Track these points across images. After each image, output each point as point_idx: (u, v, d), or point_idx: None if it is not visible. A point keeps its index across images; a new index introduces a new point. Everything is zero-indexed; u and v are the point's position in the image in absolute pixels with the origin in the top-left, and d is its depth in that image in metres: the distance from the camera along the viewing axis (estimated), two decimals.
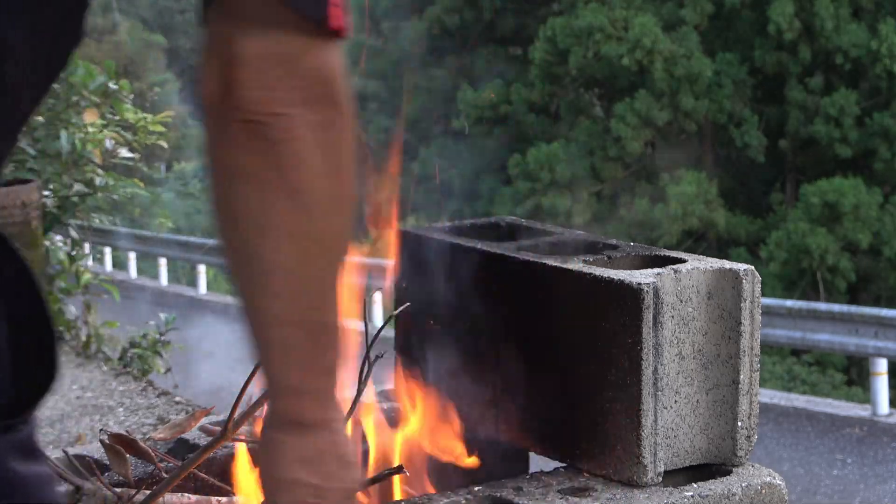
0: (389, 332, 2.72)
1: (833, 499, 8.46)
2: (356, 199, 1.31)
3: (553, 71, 25.08)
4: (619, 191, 25.01)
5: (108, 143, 5.60)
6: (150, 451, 2.40)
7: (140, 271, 23.26)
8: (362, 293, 2.55)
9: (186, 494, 2.35)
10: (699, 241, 23.72)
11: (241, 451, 2.51)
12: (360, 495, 2.43)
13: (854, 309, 11.73)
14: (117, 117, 5.78)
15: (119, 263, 23.35)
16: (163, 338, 5.76)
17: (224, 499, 2.40)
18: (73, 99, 5.63)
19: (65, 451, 2.53)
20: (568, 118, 26.49)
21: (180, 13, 52.76)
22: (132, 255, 22.51)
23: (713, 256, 2.57)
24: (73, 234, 5.94)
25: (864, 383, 13.84)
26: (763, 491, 2.34)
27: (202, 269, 20.41)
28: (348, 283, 2.75)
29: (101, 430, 2.58)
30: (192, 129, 45.93)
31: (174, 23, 52.18)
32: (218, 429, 2.36)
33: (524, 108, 27.06)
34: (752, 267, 2.41)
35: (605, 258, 2.55)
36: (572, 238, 2.74)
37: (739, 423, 2.40)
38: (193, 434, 2.62)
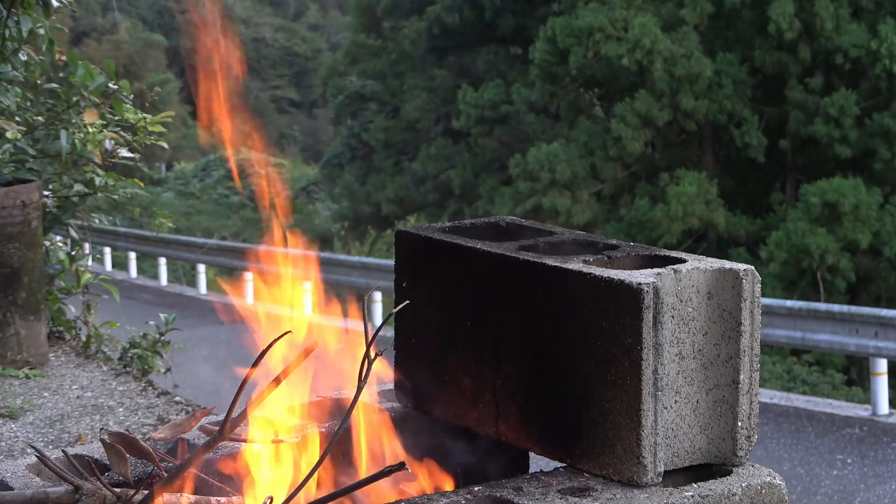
0: (389, 332, 2.72)
1: (833, 499, 8.45)
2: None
3: (553, 71, 25.05)
4: (619, 191, 25.00)
5: (108, 143, 5.59)
6: (151, 450, 2.40)
7: (140, 271, 23.27)
8: (362, 292, 2.55)
9: (186, 494, 2.35)
10: (699, 241, 23.71)
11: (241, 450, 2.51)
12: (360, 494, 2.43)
13: (854, 309, 11.72)
14: (117, 117, 5.77)
15: (119, 263, 23.37)
16: (163, 338, 5.75)
17: (224, 499, 2.40)
18: (73, 99, 5.62)
19: (65, 451, 2.53)
20: (568, 118, 26.47)
21: (180, 13, 52.71)
22: (132, 255, 22.53)
23: (713, 256, 2.57)
24: (73, 234, 5.94)
25: (864, 383, 13.84)
26: (763, 491, 2.34)
27: (202, 269, 20.43)
28: (349, 282, 2.74)
29: (101, 429, 2.58)
30: (191, 129, 45.95)
31: (174, 23, 52.16)
32: (216, 429, 2.36)
33: (524, 108, 27.04)
34: (752, 267, 2.41)
35: (605, 258, 2.54)
36: (572, 238, 2.74)
37: (739, 423, 2.40)
38: (193, 434, 2.62)
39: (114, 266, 23.14)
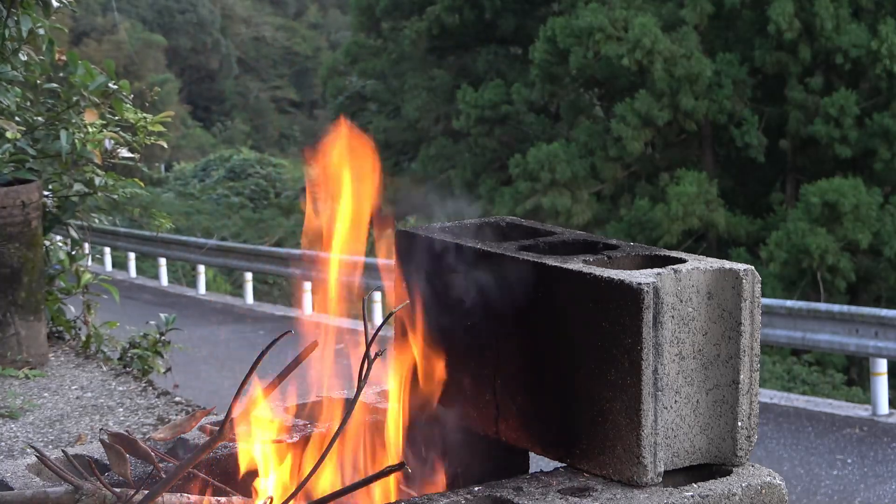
0: (389, 332, 2.72)
1: (833, 499, 8.45)
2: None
3: (553, 71, 25.06)
4: (619, 191, 25.00)
5: (108, 143, 5.58)
6: (150, 451, 2.40)
7: (140, 271, 23.27)
8: (362, 292, 2.54)
9: (185, 494, 2.35)
10: (699, 241, 23.71)
11: (241, 451, 2.51)
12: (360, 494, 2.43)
13: (854, 309, 11.71)
14: (117, 117, 5.76)
15: (119, 263, 23.36)
16: (163, 338, 5.75)
17: (224, 499, 2.40)
18: (73, 99, 5.62)
19: (65, 451, 2.53)
20: (568, 118, 26.48)
21: (180, 13, 52.74)
22: (132, 255, 22.53)
23: (713, 256, 2.57)
24: (73, 234, 5.93)
25: (864, 383, 13.84)
26: (763, 491, 2.34)
27: (202, 269, 20.43)
28: (349, 282, 2.74)
29: (101, 429, 2.58)
30: (192, 129, 45.93)
31: (174, 23, 52.16)
32: (216, 429, 2.36)
33: (524, 108, 27.05)
34: (752, 267, 2.41)
35: (605, 258, 2.54)
36: (572, 238, 2.74)
37: (739, 423, 2.40)
38: (193, 434, 2.62)
39: (114, 266, 23.13)
